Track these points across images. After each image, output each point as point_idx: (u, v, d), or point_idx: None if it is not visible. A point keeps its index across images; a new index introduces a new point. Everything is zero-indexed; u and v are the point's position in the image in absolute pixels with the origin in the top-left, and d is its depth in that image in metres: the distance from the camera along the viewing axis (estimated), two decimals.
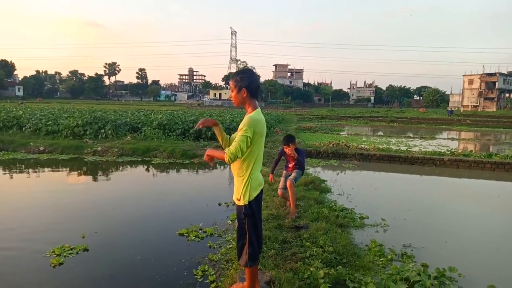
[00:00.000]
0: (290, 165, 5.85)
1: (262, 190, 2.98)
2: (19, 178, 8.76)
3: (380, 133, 23.57)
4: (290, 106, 73.70)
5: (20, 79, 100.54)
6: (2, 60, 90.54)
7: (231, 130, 15.01)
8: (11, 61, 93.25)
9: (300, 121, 29.16)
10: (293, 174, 5.66)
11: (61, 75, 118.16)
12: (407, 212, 6.22)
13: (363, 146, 13.37)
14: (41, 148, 11.81)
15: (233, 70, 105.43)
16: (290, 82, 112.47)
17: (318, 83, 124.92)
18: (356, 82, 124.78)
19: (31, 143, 12.19)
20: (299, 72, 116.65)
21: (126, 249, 4.54)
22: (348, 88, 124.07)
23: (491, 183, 9.48)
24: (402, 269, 3.67)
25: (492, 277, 3.77)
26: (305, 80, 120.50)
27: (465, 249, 4.71)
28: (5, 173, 9.18)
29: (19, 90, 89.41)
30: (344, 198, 6.95)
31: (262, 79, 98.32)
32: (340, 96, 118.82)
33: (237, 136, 2.67)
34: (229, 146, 2.70)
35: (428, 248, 4.59)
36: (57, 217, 5.77)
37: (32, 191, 7.51)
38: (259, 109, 2.82)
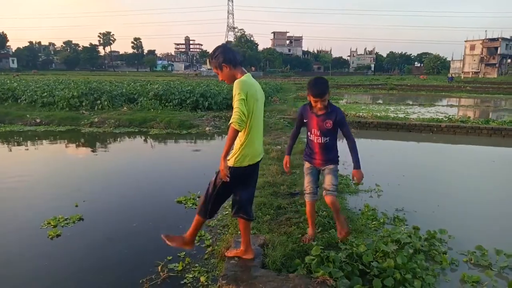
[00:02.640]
0: (316, 150, 3.37)
1: (258, 162, 2.91)
2: (17, 150, 8.79)
3: (380, 101, 23.44)
4: (289, 75, 72.84)
5: (13, 50, 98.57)
6: None
7: (228, 100, 14.92)
8: (3, 32, 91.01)
9: (299, 90, 28.89)
10: (329, 178, 3.33)
11: (55, 46, 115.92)
12: (402, 178, 6.30)
13: (361, 114, 13.33)
14: (38, 120, 11.77)
15: (231, 38, 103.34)
16: (289, 50, 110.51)
17: (318, 51, 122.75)
18: (356, 49, 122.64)
19: (28, 115, 12.14)
20: (298, 40, 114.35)
21: (122, 217, 4.62)
22: (348, 56, 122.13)
23: (487, 149, 9.54)
24: (394, 231, 3.77)
25: (481, 239, 3.87)
26: (304, 48, 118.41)
27: (457, 212, 4.81)
28: (3, 146, 9.20)
29: (13, 62, 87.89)
30: (340, 165, 6.98)
31: (260, 48, 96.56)
32: (340, 64, 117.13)
33: (234, 103, 2.63)
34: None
35: (420, 212, 4.68)
36: (54, 188, 5.84)
37: (30, 161, 7.56)
38: (248, 74, 2.78)
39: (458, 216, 4.66)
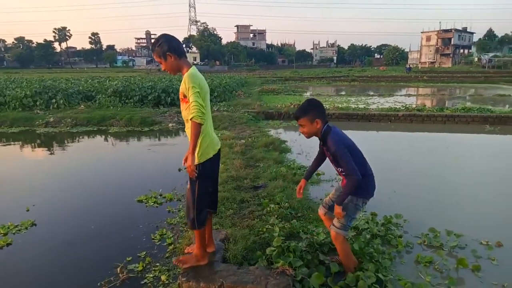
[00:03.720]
0: (338, 169, 2.81)
1: (219, 151, 2.87)
2: None
3: (342, 92, 23.99)
4: (254, 69, 72.81)
5: None
6: None
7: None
8: None
9: (264, 84, 28.99)
10: (337, 218, 2.80)
11: (6, 43, 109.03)
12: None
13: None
14: None
15: (193, 32, 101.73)
16: (253, 43, 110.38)
17: (282, 44, 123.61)
18: (319, 42, 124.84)
19: None
20: (261, 33, 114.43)
21: (80, 219, 4.44)
22: (311, 49, 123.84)
23: (442, 136, 10.02)
24: None
25: (434, 221, 4.07)
26: (268, 41, 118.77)
27: (411, 197, 5.02)
28: None
29: None
30: (303, 156, 7.11)
31: (224, 41, 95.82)
32: (303, 56, 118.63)
33: (189, 97, 2.56)
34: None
35: (377, 199, 4.81)
36: (2, 193, 5.52)
37: None
38: (194, 66, 2.73)
39: (413, 201, 4.87)
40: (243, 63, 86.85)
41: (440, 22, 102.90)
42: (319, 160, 2.99)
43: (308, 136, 2.76)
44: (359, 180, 2.64)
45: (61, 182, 6.07)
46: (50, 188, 5.71)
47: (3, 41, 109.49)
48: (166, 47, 2.61)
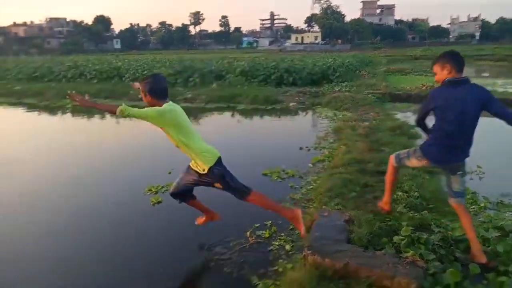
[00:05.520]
0: None
1: (219, 158, 3.18)
2: (123, 122, 9.92)
3: (485, 74, 20.80)
4: (379, 47, 68.11)
5: (116, 32, 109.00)
6: (99, 16, 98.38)
7: (312, 75, 14.66)
8: (107, 16, 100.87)
9: (390, 63, 27.03)
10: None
11: (152, 27, 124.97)
12: (510, 161, 5.62)
13: None
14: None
15: (316, 11, 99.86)
16: (380, 20, 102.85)
17: (412, 20, 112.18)
18: (458, 16, 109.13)
19: (131, 92, 13.48)
20: (390, 8, 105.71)
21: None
22: (448, 24, 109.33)
23: None
24: (496, 217, 3.43)
25: None
26: (397, 17, 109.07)
27: None
28: (111, 118, 10.47)
29: (117, 43, 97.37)
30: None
31: (347, 19, 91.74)
32: (438, 32, 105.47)
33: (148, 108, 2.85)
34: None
35: None
36: (154, 158, 6.47)
37: (134, 134, 8.49)
38: (170, 103, 2.98)
39: None
40: (367, 41, 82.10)
41: None
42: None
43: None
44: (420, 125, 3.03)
45: None
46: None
47: (149, 25, 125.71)
48: (148, 87, 2.92)
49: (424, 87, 11.72)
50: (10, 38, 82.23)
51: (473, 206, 3.87)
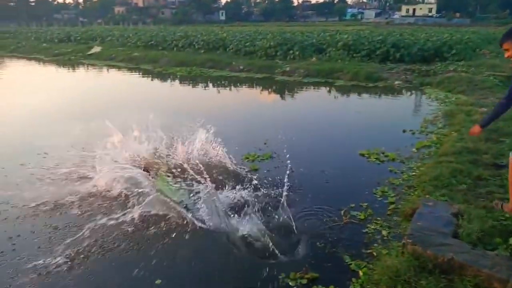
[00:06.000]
0: None
1: None
2: (225, 92, 10.48)
3: None
4: (507, 22, 58.48)
5: (222, 4, 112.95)
6: None
7: (424, 51, 13.36)
8: None
9: None
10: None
11: None
12: None
13: None
14: (241, 67, 13.48)
15: None
16: None
17: None
18: None
19: (233, 63, 14.04)
20: None
21: (310, 158, 4.99)
22: None
23: None
24: None
25: None
26: None
27: None
28: (214, 87, 11.14)
29: (222, 15, 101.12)
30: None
31: None
32: None
33: None
34: None
35: None
36: (250, 128, 6.73)
37: (232, 104, 8.92)
38: None
39: None
40: (492, 15, 71.03)
41: None
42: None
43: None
44: (502, 104, 2.88)
45: (296, 127, 6.87)
46: (283, 129, 6.59)
47: None
48: None
49: None
50: (130, 8, 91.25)
51: None
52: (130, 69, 14.79)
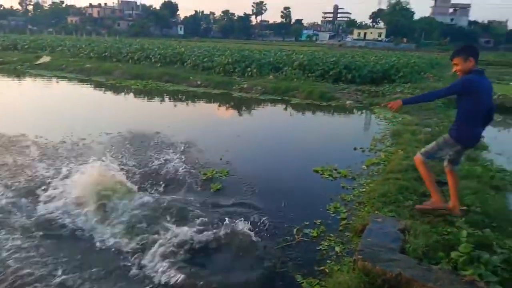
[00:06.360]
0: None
1: None
2: (181, 106, 10.31)
3: None
4: (448, 49, 63.74)
5: (181, 19, 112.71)
6: (167, 1, 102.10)
7: (373, 73, 14.12)
8: (175, 1, 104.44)
9: None
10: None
11: (215, 15, 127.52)
12: None
13: None
14: (198, 82, 13.40)
15: (384, 6, 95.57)
16: (452, 20, 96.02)
17: (488, 22, 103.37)
18: None
19: (191, 77, 13.93)
20: (464, 8, 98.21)
21: (264, 176, 5.00)
22: None
23: None
24: None
25: None
26: (471, 18, 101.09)
27: None
28: (169, 101, 10.94)
29: (180, 29, 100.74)
30: (503, 158, 6.01)
31: (416, 16, 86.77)
32: None
33: None
34: None
35: None
36: (205, 144, 6.62)
37: (189, 118, 8.79)
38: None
39: None
40: (434, 41, 77.10)
41: None
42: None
43: (462, 74, 3.22)
44: (429, 95, 3.51)
45: (250, 143, 6.92)
46: (238, 145, 6.60)
47: (213, 13, 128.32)
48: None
49: (495, 96, 10.81)
50: (85, 18, 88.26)
51: None
52: (81, 81, 14.14)
